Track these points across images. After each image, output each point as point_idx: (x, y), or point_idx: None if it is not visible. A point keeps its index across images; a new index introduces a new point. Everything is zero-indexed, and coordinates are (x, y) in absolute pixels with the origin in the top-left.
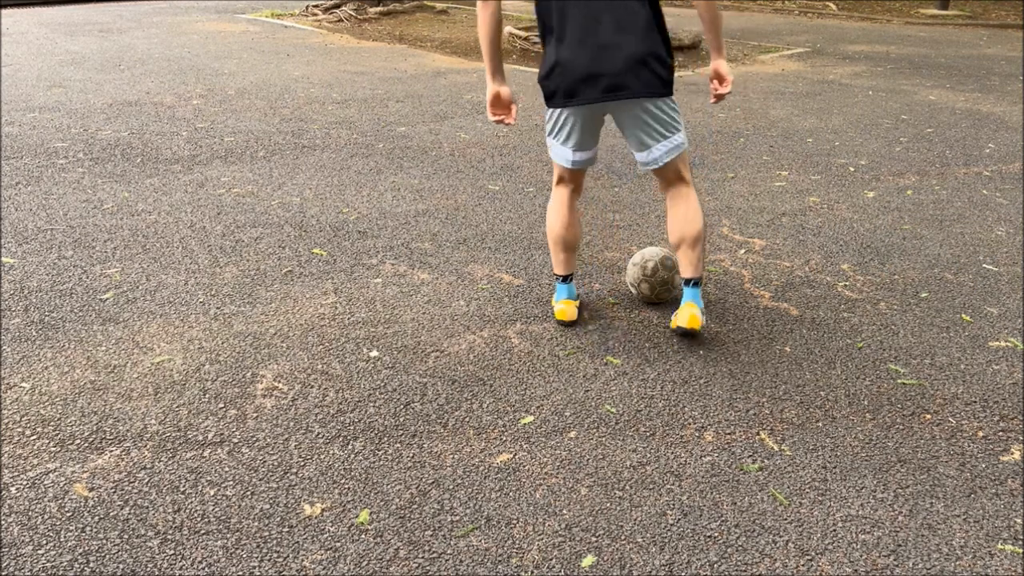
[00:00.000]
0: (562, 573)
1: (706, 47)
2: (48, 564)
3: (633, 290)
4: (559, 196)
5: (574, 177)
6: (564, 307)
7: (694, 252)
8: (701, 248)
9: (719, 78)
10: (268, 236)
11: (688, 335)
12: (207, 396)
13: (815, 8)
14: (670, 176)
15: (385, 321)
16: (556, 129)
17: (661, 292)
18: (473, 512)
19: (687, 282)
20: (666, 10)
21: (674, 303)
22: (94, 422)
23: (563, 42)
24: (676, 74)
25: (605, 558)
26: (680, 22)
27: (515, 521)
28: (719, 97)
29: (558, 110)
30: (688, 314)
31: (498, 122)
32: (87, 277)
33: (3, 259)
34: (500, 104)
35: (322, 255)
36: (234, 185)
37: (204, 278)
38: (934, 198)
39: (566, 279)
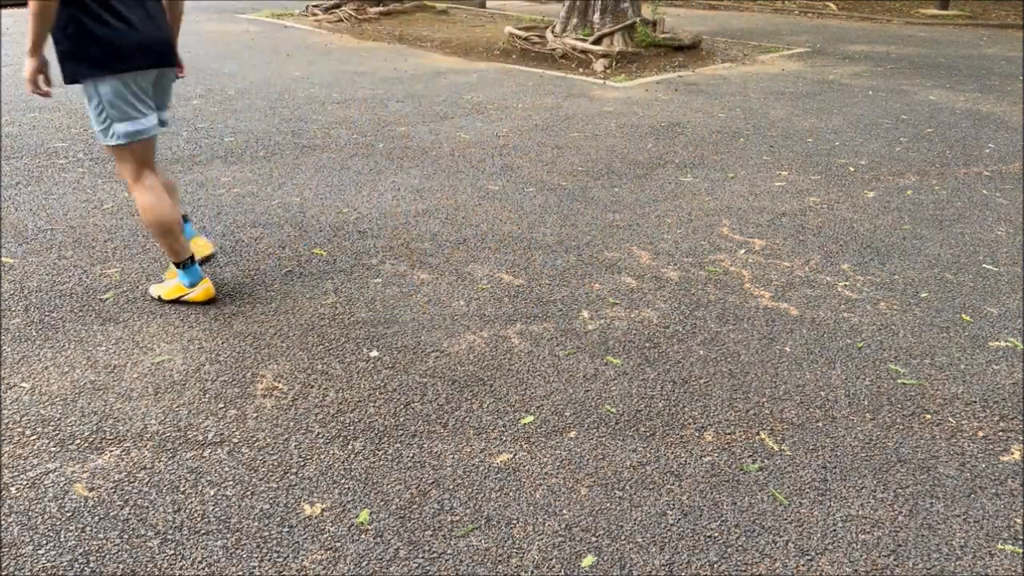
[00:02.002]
0: (562, 573)
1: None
2: (48, 564)
3: None
4: (155, 182)
5: (152, 150)
6: (208, 285)
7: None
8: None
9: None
10: (268, 236)
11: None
12: (207, 396)
13: (815, 8)
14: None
15: (385, 321)
16: (128, 102)
17: None
18: (473, 512)
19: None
20: (666, 10)
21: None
22: (94, 422)
23: (111, 13)
24: (676, 74)
25: (605, 558)
26: (680, 22)
27: (515, 521)
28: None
29: (119, 81)
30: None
31: (37, 92)
32: (87, 277)
33: (3, 259)
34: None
35: (322, 255)
36: (234, 185)
37: None
38: (934, 198)
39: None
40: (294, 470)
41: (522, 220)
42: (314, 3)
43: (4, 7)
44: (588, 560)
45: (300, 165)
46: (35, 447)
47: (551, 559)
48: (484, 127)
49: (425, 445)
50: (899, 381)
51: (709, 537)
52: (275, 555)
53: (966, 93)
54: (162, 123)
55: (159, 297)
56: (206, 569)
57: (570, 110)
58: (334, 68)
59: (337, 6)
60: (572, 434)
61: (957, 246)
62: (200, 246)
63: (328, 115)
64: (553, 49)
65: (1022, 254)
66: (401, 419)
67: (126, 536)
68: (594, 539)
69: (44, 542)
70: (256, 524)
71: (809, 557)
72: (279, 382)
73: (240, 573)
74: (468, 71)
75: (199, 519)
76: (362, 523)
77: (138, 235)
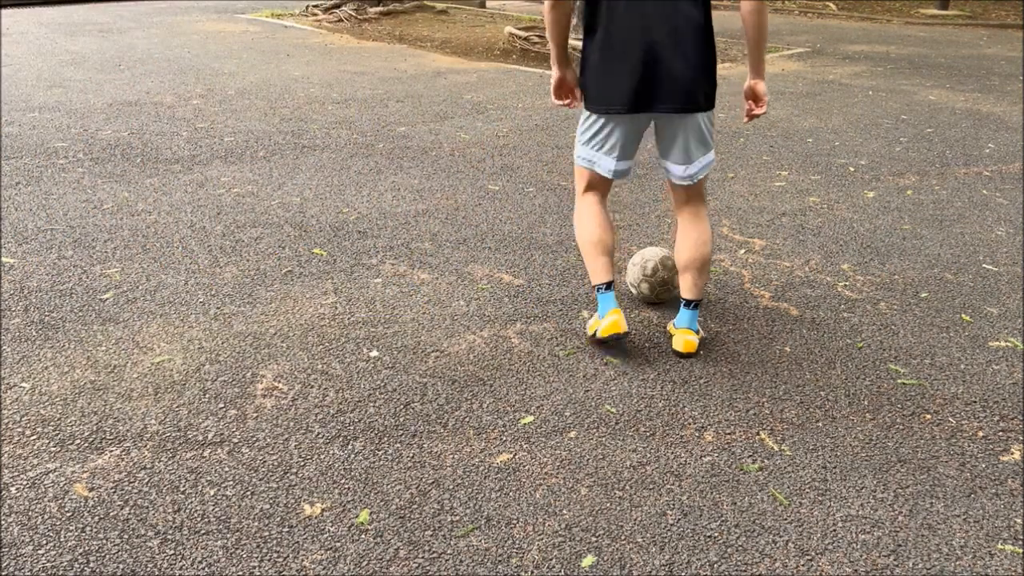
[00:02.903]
0: (562, 573)
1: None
2: (48, 564)
3: (633, 290)
4: (590, 202)
5: (607, 185)
6: (616, 318)
7: (701, 276)
8: (707, 272)
9: (755, 98)
10: (268, 236)
11: (684, 357)
12: (207, 396)
13: (815, 8)
14: (693, 193)
15: (385, 321)
16: (595, 136)
17: (661, 292)
18: (473, 512)
19: (687, 304)
20: None
21: (674, 303)
22: (94, 422)
23: (612, 45)
24: None
25: (605, 558)
26: None
27: (515, 521)
28: (752, 117)
29: (601, 116)
30: (683, 340)
31: (564, 106)
32: (87, 277)
33: (3, 259)
34: (564, 88)
35: (322, 255)
36: (234, 185)
37: (204, 278)
38: (934, 198)
39: (609, 286)
40: (294, 470)
41: (522, 220)
42: (314, 3)
43: (4, 7)
44: (588, 560)
45: (300, 165)
46: (35, 447)
47: (551, 559)
48: (484, 127)
49: (425, 445)
50: (899, 381)
51: (709, 537)
52: (275, 555)
53: (966, 93)
54: (679, 178)
55: None
56: (206, 569)
57: (570, 110)
58: (334, 68)
59: (337, 6)
60: (572, 434)
61: (957, 246)
62: None
63: (328, 115)
64: None
65: (1022, 254)
66: (401, 419)
67: (126, 536)
68: (594, 539)
69: (44, 542)
70: (256, 524)
71: (809, 557)
72: (279, 382)
73: (240, 573)
74: (468, 71)
75: (199, 519)
76: (362, 523)
77: (138, 235)
